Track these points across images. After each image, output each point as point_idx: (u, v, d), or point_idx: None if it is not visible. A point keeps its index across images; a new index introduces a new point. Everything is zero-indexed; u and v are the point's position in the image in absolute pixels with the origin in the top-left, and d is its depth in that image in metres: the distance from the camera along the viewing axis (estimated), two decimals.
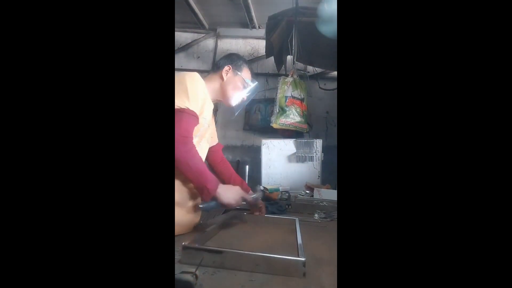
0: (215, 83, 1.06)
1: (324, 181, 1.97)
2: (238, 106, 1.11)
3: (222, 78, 1.06)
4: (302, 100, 2.04)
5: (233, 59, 1.08)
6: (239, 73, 1.06)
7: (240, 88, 1.07)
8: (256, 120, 2.96)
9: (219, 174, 1.24)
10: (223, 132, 3.06)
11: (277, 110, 1.97)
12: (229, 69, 1.06)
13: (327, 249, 0.68)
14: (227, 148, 2.98)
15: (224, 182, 1.19)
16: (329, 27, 1.55)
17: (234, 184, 1.16)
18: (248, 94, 1.11)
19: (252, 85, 1.09)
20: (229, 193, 0.85)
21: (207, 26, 3.14)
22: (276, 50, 2.16)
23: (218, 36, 3.17)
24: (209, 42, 3.22)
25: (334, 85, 2.79)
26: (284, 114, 1.95)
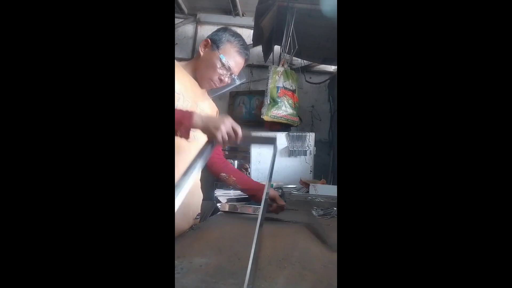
0: (194, 62, 0.91)
1: (315, 176, 1.89)
2: (213, 91, 0.93)
3: (199, 54, 0.88)
4: (293, 91, 1.94)
5: (217, 32, 0.88)
6: (217, 49, 0.85)
7: (215, 67, 0.85)
8: (240, 114, 2.81)
9: (218, 172, 1.00)
10: None
11: (268, 101, 1.85)
12: (207, 43, 0.87)
13: (327, 248, 0.64)
14: None
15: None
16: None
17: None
18: (225, 79, 0.87)
19: (225, 62, 0.85)
20: (213, 121, 0.64)
21: (186, 10, 2.91)
22: (266, 36, 2.03)
23: (198, 22, 2.95)
24: (188, 28, 2.99)
25: (319, 78, 2.74)
26: (276, 106, 1.83)
